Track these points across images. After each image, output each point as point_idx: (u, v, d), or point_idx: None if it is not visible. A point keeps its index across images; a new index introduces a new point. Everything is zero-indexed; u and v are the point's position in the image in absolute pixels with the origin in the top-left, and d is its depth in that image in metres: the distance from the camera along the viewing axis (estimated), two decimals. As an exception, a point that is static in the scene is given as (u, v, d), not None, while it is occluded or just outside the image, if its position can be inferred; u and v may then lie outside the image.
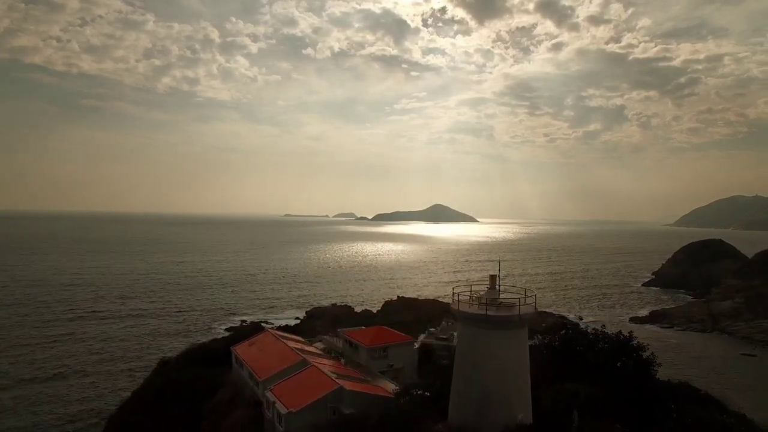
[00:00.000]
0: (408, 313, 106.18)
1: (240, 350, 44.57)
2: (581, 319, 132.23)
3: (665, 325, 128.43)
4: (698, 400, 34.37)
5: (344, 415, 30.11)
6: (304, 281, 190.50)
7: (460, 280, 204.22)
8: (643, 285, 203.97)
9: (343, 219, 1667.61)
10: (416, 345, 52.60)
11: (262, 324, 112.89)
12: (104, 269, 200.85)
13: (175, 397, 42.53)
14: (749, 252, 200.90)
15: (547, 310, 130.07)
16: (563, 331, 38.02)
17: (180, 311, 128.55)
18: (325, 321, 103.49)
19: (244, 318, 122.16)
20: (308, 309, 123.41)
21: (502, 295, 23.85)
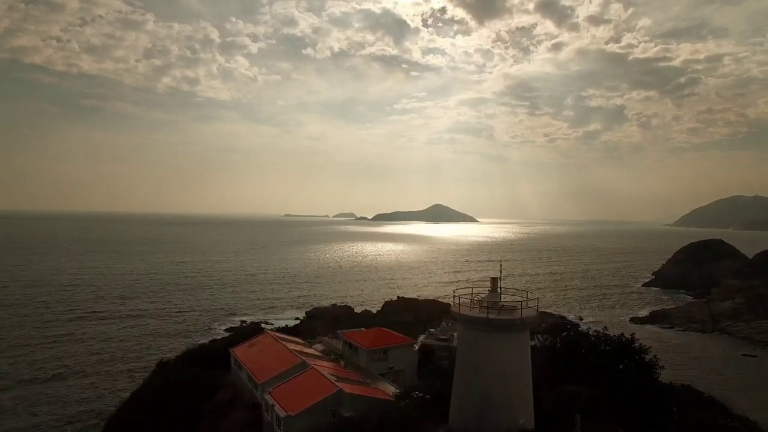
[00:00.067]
0: (408, 314, 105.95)
1: (239, 352, 44.32)
2: (581, 319, 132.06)
3: (666, 326, 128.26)
4: (701, 403, 34.16)
5: (344, 418, 29.87)
6: (303, 281, 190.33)
7: (460, 281, 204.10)
8: (643, 285, 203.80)
9: (343, 219, 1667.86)
10: (416, 346, 52.39)
11: (262, 324, 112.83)
12: (104, 269, 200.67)
13: (174, 399, 42.32)
14: (749, 252, 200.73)
15: (548, 310, 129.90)
16: (564, 333, 37.77)
17: (180, 311, 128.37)
18: (325, 321, 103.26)
19: (244, 318, 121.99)
20: (308, 309, 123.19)
21: (503, 298, 23.62)
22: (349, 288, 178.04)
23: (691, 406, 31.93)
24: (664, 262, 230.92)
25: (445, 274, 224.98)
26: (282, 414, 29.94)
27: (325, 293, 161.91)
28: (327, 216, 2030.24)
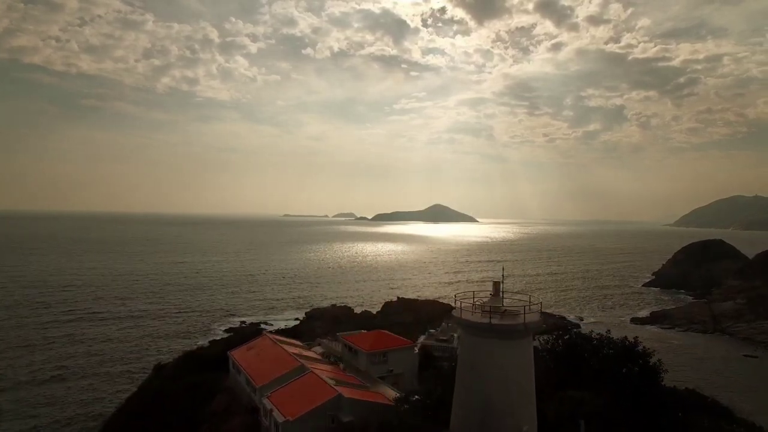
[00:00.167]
0: (408, 314, 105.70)
1: (237, 355, 43.86)
2: (582, 320, 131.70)
3: (666, 326, 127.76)
4: (706, 408, 33.73)
5: (343, 423, 29.49)
6: (303, 282, 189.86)
7: (460, 281, 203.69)
8: (643, 285, 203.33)
9: (343, 219, 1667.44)
10: (416, 348, 51.98)
11: (261, 325, 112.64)
12: (104, 270, 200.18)
13: (172, 403, 41.87)
14: (749, 252, 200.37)
15: (548, 311, 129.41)
16: (567, 336, 37.22)
17: (179, 312, 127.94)
18: (325, 322, 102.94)
19: (244, 319, 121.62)
20: (308, 310, 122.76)
21: (505, 302, 23.17)
22: (348, 288, 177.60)
23: (696, 411, 31.51)
24: (664, 263, 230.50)
25: (445, 275, 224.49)
26: (280, 419, 29.51)
27: (324, 294, 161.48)
28: (327, 216, 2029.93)
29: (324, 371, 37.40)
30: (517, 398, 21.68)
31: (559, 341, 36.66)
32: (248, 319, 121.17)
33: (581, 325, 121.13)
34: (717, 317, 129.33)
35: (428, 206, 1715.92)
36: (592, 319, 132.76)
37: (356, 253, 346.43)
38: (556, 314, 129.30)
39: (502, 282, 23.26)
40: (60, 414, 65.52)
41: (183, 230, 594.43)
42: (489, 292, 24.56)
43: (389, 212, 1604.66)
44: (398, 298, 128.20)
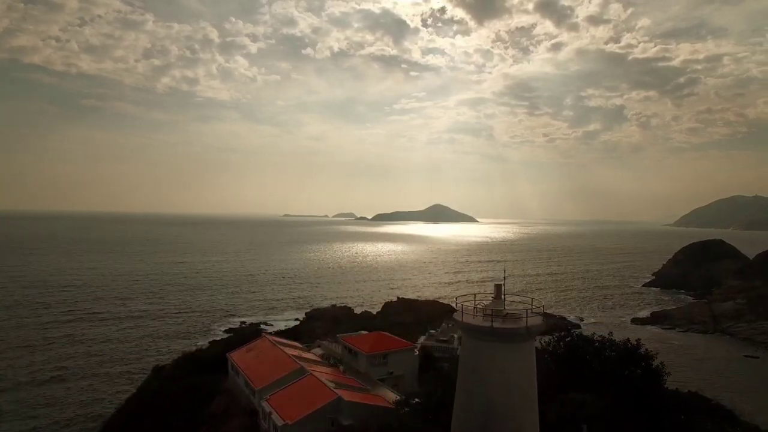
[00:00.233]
0: (408, 315, 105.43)
1: (236, 357, 43.62)
2: (582, 320, 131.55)
3: (667, 326, 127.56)
4: (709, 410, 33.49)
5: (343, 426, 29.25)
6: (303, 282, 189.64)
7: (460, 281, 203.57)
8: (643, 285, 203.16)
9: (343, 219, 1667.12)
10: (416, 349, 51.71)
11: (262, 325, 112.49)
12: (104, 270, 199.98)
13: (171, 404, 41.67)
14: (749, 252, 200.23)
15: (548, 311, 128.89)
16: (568, 338, 36.95)
17: (179, 312, 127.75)
18: (325, 322, 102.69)
19: (243, 319, 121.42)
20: (308, 310, 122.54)
21: (507, 305, 22.91)
22: (348, 289, 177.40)
23: (699, 413, 31.26)
24: (664, 263, 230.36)
25: (445, 275, 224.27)
26: (279, 422, 29.27)
27: (324, 294, 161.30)
28: (327, 216, 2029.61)
29: (323, 373, 37.16)
30: (518, 402, 21.43)
31: (561, 343, 36.39)
32: (248, 320, 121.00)
33: (581, 326, 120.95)
34: (717, 317, 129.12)
35: (428, 206, 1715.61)
36: (593, 320, 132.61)
37: (356, 253, 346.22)
38: (557, 314, 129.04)
39: (504, 284, 23.00)
40: (59, 415, 65.31)
41: (183, 230, 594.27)
42: (490, 294, 24.34)
43: (389, 212, 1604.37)
44: (398, 298, 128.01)
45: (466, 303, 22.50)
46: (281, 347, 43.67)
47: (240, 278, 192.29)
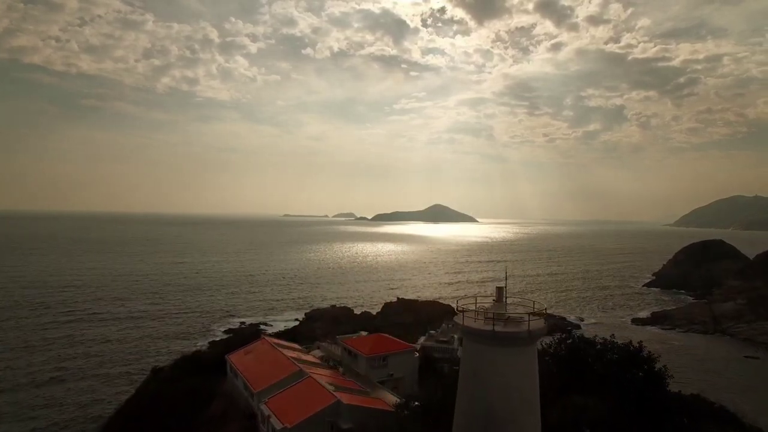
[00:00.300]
0: (408, 315, 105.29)
1: (235, 359, 43.36)
2: (582, 320, 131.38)
3: (667, 327, 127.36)
4: (712, 414, 33.15)
5: (342, 430, 28.98)
6: (303, 282, 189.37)
7: (460, 281, 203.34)
8: (643, 286, 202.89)
9: (343, 219, 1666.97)
10: (417, 349, 51.47)
11: (261, 326, 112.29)
12: (103, 270, 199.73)
13: (170, 406, 41.44)
14: (749, 252, 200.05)
15: (548, 312, 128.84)
16: (570, 340, 36.66)
17: (179, 313, 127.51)
18: (325, 323, 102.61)
19: (243, 320, 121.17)
20: (307, 311, 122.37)
21: (509, 308, 22.63)
22: (348, 289, 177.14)
23: (702, 416, 30.97)
24: (664, 263, 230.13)
25: (445, 275, 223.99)
26: (278, 426, 29.01)
27: (324, 294, 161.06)
28: (327, 216, 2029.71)
29: (323, 376, 36.90)
30: (520, 406, 21.16)
31: (562, 345, 36.10)
32: (248, 320, 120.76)
33: (582, 326, 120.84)
34: (717, 318, 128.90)
35: (428, 206, 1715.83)
36: (593, 320, 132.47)
37: (356, 253, 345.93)
38: (557, 315, 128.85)
39: (505, 288, 22.73)
40: (58, 416, 65.09)
41: (183, 230, 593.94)
42: (490, 296, 24.07)
43: (389, 212, 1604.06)
44: (398, 298, 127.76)
45: (467, 306, 22.23)
46: (280, 349, 43.41)
47: (240, 278, 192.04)
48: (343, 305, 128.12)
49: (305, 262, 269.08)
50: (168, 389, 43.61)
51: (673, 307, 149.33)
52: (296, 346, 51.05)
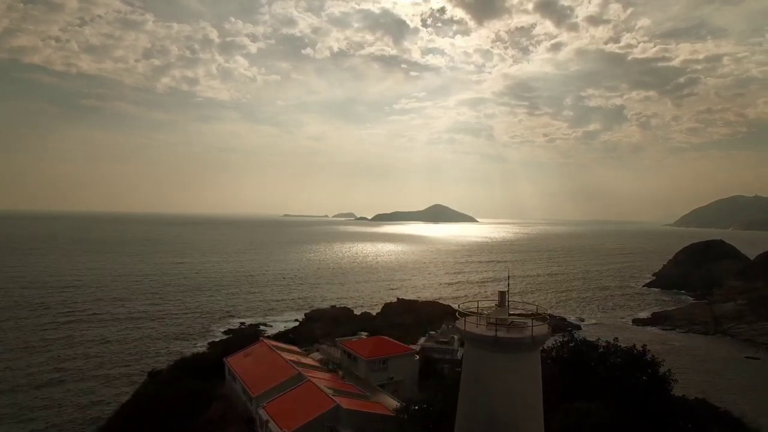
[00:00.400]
0: (408, 316, 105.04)
1: (233, 362, 42.97)
2: (582, 321, 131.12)
3: (667, 327, 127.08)
4: (716, 418, 32.82)
5: (342, 435, 28.65)
6: (303, 283, 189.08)
7: (460, 281, 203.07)
8: (644, 286, 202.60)
9: (343, 219, 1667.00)
10: (417, 350, 51.15)
11: (261, 326, 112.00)
12: (103, 270, 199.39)
13: (168, 409, 41.10)
14: (749, 252, 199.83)
15: (549, 312, 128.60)
16: (572, 344, 36.29)
17: (179, 313, 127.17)
18: (325, 323, 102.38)
19: (243, 320, 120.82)
20: (307, 311, 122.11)
21: (510, 311, 22.29)
22: (348, 289, 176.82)
23: (706, 421, 30.63)
24: (664, 263, 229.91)
25: (445, 276, 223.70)
26: (277, 431, 28.67)
27: (324, 294, 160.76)
28: (326, 216, 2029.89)
29: (322, 380, 36.55)
30: (522, 412, 20.86)
31: (565, 348, 35.74)
32: (247, 321, 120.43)
33: (582, 327, 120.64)
34: (718, 318, 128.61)
35: (428, 206, 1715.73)
36: (593, 321, 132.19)
37: (356, 253, 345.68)
38: (557, 315, 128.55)
39: (508, 292, 22.39)
40: (57, 418, 64.76)
41: (183, 230, 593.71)
42: (491, 297, 23.74)
43: (389, 212, 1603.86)
44: (398, 299, 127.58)
45: (468, 310, 21.89)
46: (279, 352, 43.04)
47: (239, 279, 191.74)
48: (342, 306, 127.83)
49: (305, 262, 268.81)
50: (167, 391, 43.29)
51: (674, 308, 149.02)
52: (295, 348, 50.69)
